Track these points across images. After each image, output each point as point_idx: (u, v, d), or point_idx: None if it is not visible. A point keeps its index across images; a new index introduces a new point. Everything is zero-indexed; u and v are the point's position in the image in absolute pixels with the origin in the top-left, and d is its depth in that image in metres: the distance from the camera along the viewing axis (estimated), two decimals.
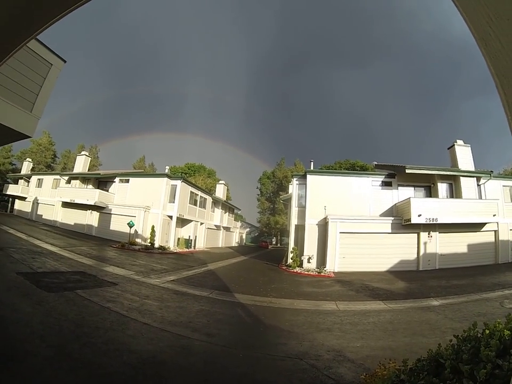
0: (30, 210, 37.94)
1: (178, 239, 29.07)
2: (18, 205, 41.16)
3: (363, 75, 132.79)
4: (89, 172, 36.39)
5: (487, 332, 2.69)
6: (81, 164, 37.33)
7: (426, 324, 7.79)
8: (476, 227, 18.76)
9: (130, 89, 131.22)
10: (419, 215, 17.90)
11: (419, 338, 6.57)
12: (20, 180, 42.70)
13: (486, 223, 18.79)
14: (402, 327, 7.51)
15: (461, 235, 18.91)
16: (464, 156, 21.32)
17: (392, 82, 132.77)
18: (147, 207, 26.93)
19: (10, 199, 43.27)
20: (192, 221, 31.42)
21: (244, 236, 62.78)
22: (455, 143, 21.81)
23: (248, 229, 70.80)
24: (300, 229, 21.82)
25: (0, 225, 24.04)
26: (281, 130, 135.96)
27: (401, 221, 19.07)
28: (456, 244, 18.79)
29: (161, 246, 24.65)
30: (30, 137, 6.48)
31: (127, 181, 30.34)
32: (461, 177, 19.87)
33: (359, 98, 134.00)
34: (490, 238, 19.31)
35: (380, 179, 21.42)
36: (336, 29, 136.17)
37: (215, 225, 39.37)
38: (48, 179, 37.90)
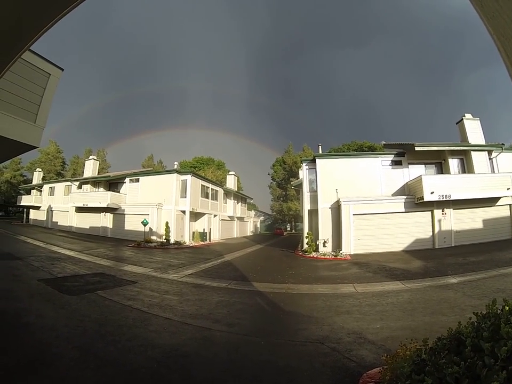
0: (45, 219, 38.70)
1: (193, 233, 29.30)
2: (33, 214, 42.09)
3: (364, 54, 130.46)
4: (99, 175, 36.76)
5: (507, 308, 2.67)
6: (91, 168, 37.81)
7: (445, 302, 7.73)
8: (490, 202, 18.41)
9: (131, 89, 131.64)
10: (432, 193, 17.66)
11: (438, 317, 6.54)
12: (32, 190, 43.51)
13: (500, 197, 18.39)
14: (421, 307, 7.48)
15: (476, 210, 18.61)
16: (474, 130, 20.77)
17: (394, 60, 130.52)
18: (159, 204, 27.17)
19: (25, 210, 44.18)
20: (205, 214, 31.62)
21: (258, 225, 62.93)
22: (463, 117, 21.23)
23: (262, 218, 70.86)
24: (313, 213, 21.83)
25: (17, 235, 24.66)
26: (287, 116, 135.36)
27: (414, 199, 18.86)
28: (471, 219, 18.52)
29: (176, 241, 24.90)
30: (37, 147, 6.59)
31: (137, 180, 30.64)
32: (471, 152, 19.45)
33: (362, 79, 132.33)
34: (505, 212, 18.95)
35: (389, 158, 21.11)
36: (333, 8, 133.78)
37: (229, 216, 39.55)
38: (59, 186, 38.56)
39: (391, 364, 3.40)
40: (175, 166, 32.30)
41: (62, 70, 6.83)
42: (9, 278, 9.71)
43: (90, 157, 41.15)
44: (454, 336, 2.80)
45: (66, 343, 5.16)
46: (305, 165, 22.69)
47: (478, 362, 2.26)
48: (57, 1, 2.02)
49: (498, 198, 18.40)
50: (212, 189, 33.85)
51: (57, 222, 36.12)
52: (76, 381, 3.98)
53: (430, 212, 18.86)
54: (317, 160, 21.41)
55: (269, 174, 72.89)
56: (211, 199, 33.36)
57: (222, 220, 36.35)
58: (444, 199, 17.82)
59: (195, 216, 30.74)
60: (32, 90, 6.23)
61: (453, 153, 19.98)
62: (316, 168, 21.34)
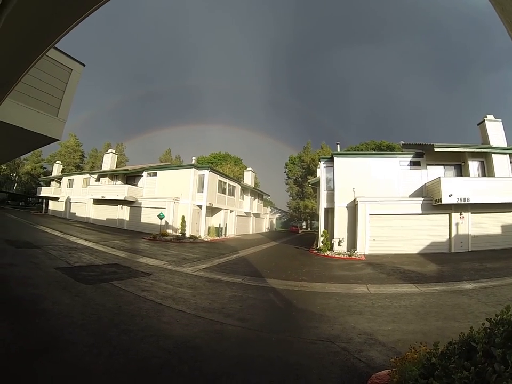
0: (63, 210, 39.77)
1: (209, 227, 29.52)
2: (52, 205, 43.26)
3: (383, 52, 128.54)
4: (117, 169, 37.41)
5: None
6: (109, 161, 38.48)
7: (458, 308, 7.60)
8: (511, 207, 17.86)
9: (150, 86, 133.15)
10: (450, 195, 17.32)
11: (451, 322, 6.44)
12: (51, 182, 44.79)
13: None
14: (434, 311, 7.37)
15: (495, 215, 18.10)
16: (496, 132, 20.13)
17: (414, 58, 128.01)
18: (176, 198, 27.48)
19: (44, 200, 45.46)
20: (221, 209, 31.77)
21: (274, 222, 62.96)
22: (485, 118, 20.58)
23: (278, 215, 70.87)
24: (330, 212, 21.78)
25: (37, 225, 25.36)
26: (305, 114, 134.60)
27: (431, 201, 18.54)
28: (490, 224, 18.04)
29: (192, 236, 25.18)
30: (58, 140, 6.78)
31: (155, 174, 31.01)
32: (492, 155, 18.90)
33: (381, 77, 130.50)
34: None
35: (407, 159, 20.81)
36: (353, 5, 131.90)
37: (245, 212, 39.69)
38: (78, 179, 39.44)
39: (400, 366, 3.38)
40: (193, 161, 32.56)
41: (84, 65, 7.00)
42: (28, 266, 9.98)
43: (109, 150, 41.87)
44: (465, 341, 2.77)
45: (80, 330, 5.31)
46: (323, 163, 22.59)
47: (489, 368, 2.23)
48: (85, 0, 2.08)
49: None
50: (229, 184, 33.97)
51: (75, 213, 37.04)
52: (88, 367, 4.10)
53: (447, 215, 18.51)
54: (335, 159, 21.30)
55: (285, 173, 72.86)
56: (228, 195, 33.47)
57: (238, 215, 36.47)
58: (463, 202, 17.45)
59: (211, 211, 30.92)
60: (55, 85, 6.41)
61: (473, 155, 19.49)
62: (333, 167, 21.25)
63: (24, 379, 3.68)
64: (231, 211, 34.37)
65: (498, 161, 18.79)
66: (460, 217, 18.21)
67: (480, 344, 2.52)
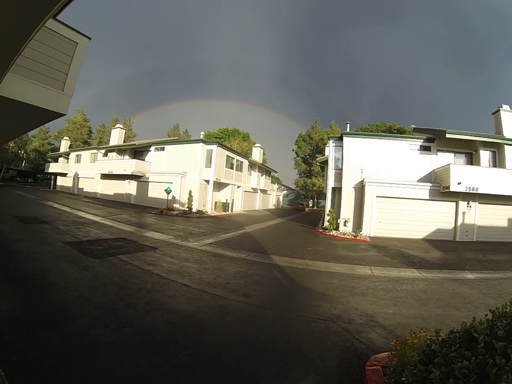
0: (71, 185, 40.21)
1: (216, 202, 29.75)
2: (60, 181, 43.75)
3: (398, 32, 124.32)
4: (125, 144, 37.45)
5: None
6: (117, 136, 38.48)
7: (459, 296, 7.62)
8: None
9: (159, 60, 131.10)
10: (459, 183, 17.14)
11: (451, 310, 6.48)
12: (59, 158, 45.03)
13: None
14: (435, 297, 7.41)
15: (503, 207, 17.98)
16: (510, 123, 19.75)
17: (430, 41, 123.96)
18: (184, 172, 27.58)
19: (52, 177, 45.90)
20: (229, 184, 31.84)
21: (281, 199, 63.12)
22: (500, 108, 20.13)
23: (285, 192, 70.85)
24: (337, 191, 21.74)
25: (45, 200, 25.72)
26: (316, 93, 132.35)
27: (439, 187, 18.38)
28: (497, 216, 17.95)
29: (198, 210, 25.43)
30: (65, 115, 6.70)
31: (163, 149, 31.04)
32: (505, 146, 18.57)
33: (396, 60, 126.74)
34: None
35: (418, 143, 20.48)
36: None
37: (252, 188, 39.73)
38: (86, 154, 39.65)
39: (400, 350, 3.44)
40: (201, 136, 32.41)
41: (90, 39, 6.84)
42: (37, 241, 10.13)
43: (117, 125, 41.77)
44: (467, 331, 2.79)
45: (88, 303, 5.44)
46: (332, 142, 22.38)
47: (489, 360, 2.25)
48: None
49: None
50: (237, 160, 33.84)
51: (83, 189, 37.44)
52: (95, 339, 4.24)
53: (454, 203, 18.40)
54: (344, 138, 21.07)
55: (293, 150, 72.32)
56: (235, 170, 33.40)
57: (245, 191, 36.52)
58: (471, 191, 17.30)
59: (218, 186, 30.99)
60: (60, 59, 6.30)
61: (485, 145, 19.12)
62: (342, 146, 21.08)
63: (32, 352, 3.79)
64: (238, 186, 34.39)
65: (511, 153, 18.43)
66: (467, 206, 18.08)
67: (482, 335, 2.52)
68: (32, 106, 5.88)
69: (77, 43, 6.63)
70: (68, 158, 43.09)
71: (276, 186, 57.28)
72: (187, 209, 24.69)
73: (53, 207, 21.63)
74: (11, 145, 53.80)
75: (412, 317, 5.94)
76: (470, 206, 18.06)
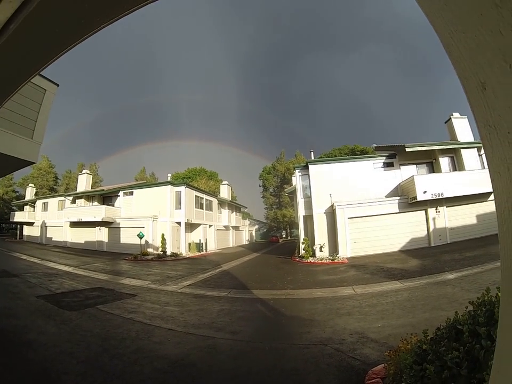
0: (39, 235, 38.30)
1: (189, 244, 29.27)
2: (26, 230, 41.56)
3: (354, 59, 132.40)
4: (93, 190, 36.56)
5: (500, 294, 2.78)
6: (84, 182, 37.50)
7: (443, 297, 7.86)
8: (482, 197, 18.45)
9: (122, 104, 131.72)
10: (424, 192, 17.93)
11: (438, 312, 6.63)
12: (25, 206, 43.14)
13: (492, 192, 18.50)
14: (420, 304, 7.59)
15: (469, 207, 18.85)
16: (463, 128, 21.12)
17: (384, 63, 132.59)
18: (154, 216, 27.13)
19: (18, 226, 43.68)
20: (200, 224, 31.55)
21: (254, 233, 62.77)
22: (451, 116, 21.66)
23: (257, 226, 70.73)
24: (308, 219, 21.94)
25: (12, 252, 24.40)
26: (278, 124, 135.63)
27: (407, 199, 19.12)
28: (465, 216, 18.75)
29: (173, 253, 24.87)
30: (34, 163, 6.61)
31: (131, 194, 30.54)
32: (461, 150, 19.77)
33: (352, 83, 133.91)
34: None
35: (381, 161, 21.39)
36: (324, 14, 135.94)
37: (224, 226, 39.48)
38: (53, 201, 38.20)
39: (394, 358, 3.49)
40: (168, 178, 32.36)
41: (58, 85, 6.90)
42: (7, 296, 9.62)
43: (83, 171, 40.83)
44: (452, 325, 2.94)
45: (70, 359, 5.15)
46: (298, 172, 22.91)
47: (476, 345, 2.39)
48: (69, 34, 2.10)
49: (490, 192, 18.47)
50: (206, 199, 33.83)
51: (51, 238, 35.75)
52: None
53: (423, 211, 19.12)
54: (310, 166, 21.60)
55: (260, 186, 73.27)
56: (206, 210, 33.31)
57: (217, 229, 36.27)
58: (437, 197, 18.10)
59: (190, 227, 30.68)
60: (29, 106, 6.28)
61: (443, 152, 20.29)
62: (308, 174, 21.54)
63: None
64: (210, 226, 34.15)
65: (467, 155, 19.62)
66: (436, 212, 18.84)
67: (466, 325, 2.69)
68: (1, 154, 5.75)
69: (46, 90, 6.65)
70: (34, 206, 41.21)
71: (247, 221, 57.25)
72: (161, 252, 24.14)
73: (21, 258, 20.53)
74: None
75: (401, 326, 6.04)
76: (439, 211, 18.83)
